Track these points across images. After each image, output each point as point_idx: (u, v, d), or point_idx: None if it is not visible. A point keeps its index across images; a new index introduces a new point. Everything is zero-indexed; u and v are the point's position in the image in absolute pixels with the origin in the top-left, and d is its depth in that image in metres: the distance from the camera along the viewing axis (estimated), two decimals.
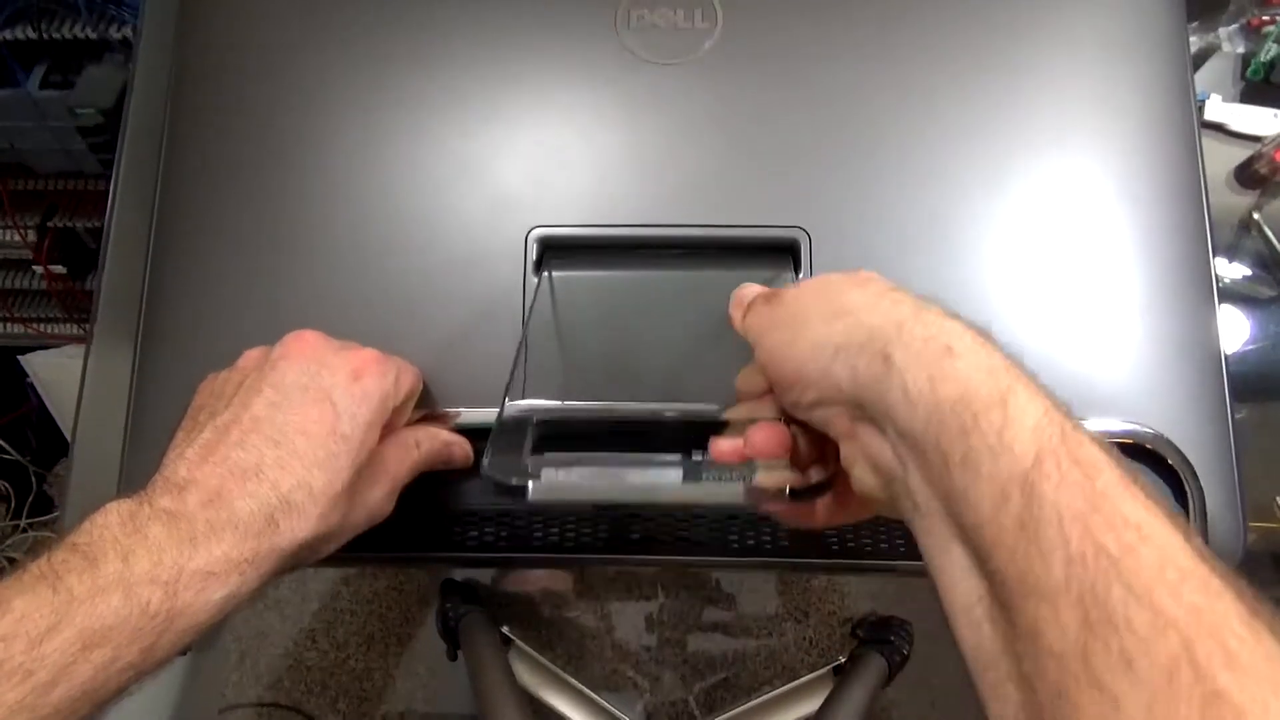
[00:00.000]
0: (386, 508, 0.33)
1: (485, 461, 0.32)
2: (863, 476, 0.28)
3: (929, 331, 0.25)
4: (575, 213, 0.40)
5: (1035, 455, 0.22)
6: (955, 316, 0.27)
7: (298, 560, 0.30)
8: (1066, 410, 0.23)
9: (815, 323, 0.28)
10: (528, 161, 0.41)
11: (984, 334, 0.26)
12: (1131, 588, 0.19)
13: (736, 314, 0.33)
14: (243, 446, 0.29)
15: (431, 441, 0.36)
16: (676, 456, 0.35)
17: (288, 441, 0.29)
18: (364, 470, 0.31)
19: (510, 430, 0.35)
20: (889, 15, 0.42)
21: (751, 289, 0.34)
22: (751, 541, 0.39)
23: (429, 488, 0.37)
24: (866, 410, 0.26)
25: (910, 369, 0.25)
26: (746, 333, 0.32)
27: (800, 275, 0.39)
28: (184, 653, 0.36)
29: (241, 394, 0.31)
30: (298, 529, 0.29)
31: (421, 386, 0.36)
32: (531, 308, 0.39)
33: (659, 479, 0.34)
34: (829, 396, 0.28)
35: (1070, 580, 0.20)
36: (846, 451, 0.28)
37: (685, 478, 0.35)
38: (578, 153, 0.41)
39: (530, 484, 0.32)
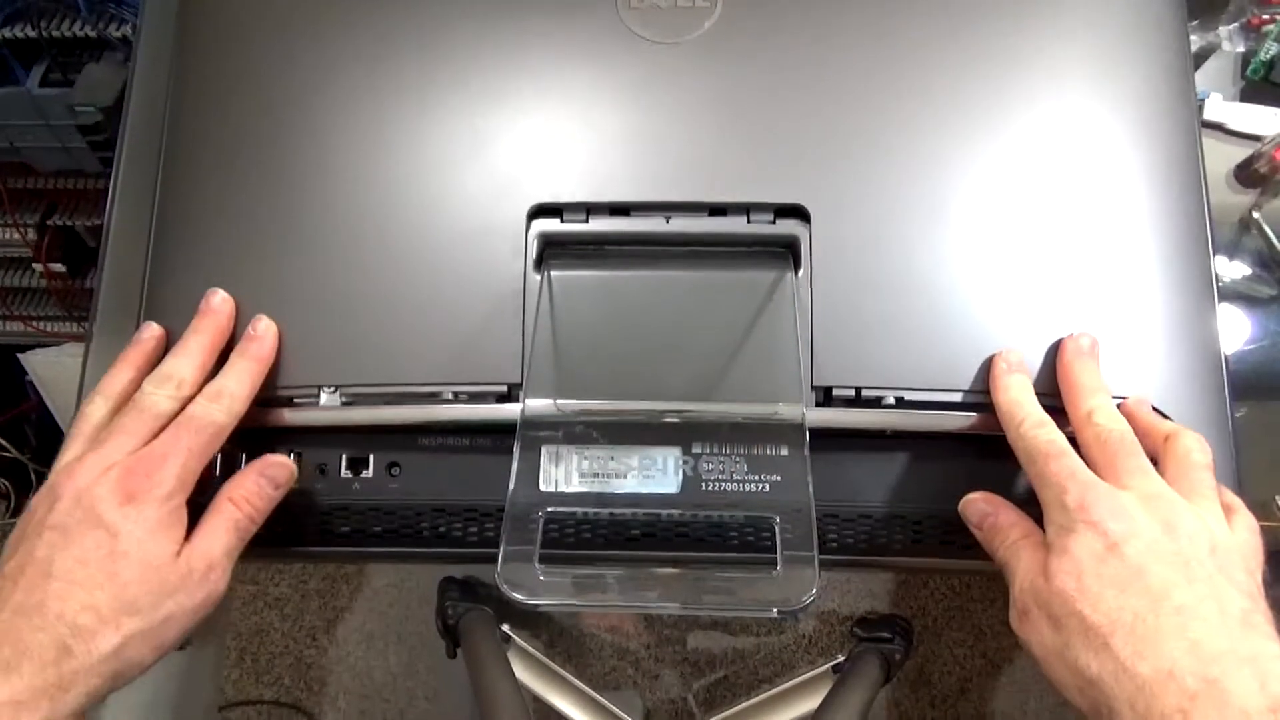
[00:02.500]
0: (219, 585, 0.35)
1: (497, 572, 0.34)
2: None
3: None
4: (576, 190, 0.40)
5: None
6: (1169, 675, 0.28)
7: (128, 665, 0.32)
8: None
9: (1067, 679, 0.30)
10: (529, 140, 0.41)
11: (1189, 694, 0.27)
12: None
13: (994, 540, 0.35)
14: (27, 590, 0.31)
15: (250, 502, 0.37)
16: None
17: (66, 574, 0.32)
18: (179, 564, 0.34)
19: (519, 526, 0.36)
20: (890, 1, 0.42)
21: (1002, 554, 0.35)
22: (752, 539, 0.39)
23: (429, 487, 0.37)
24: None
25: None
26: (1010, 574, 0.34)
27: (800, 272, 0.39)
28: (182, 647, 0.37)
29: (26, 542, 0.33)
30: (97, 647, 0.31)
31: (229, 420, 0.37)
32: (536, 292, 0.39)
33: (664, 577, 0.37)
34: (1076, 706, 0.30)
35: None
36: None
37: (684, 485, 0.36)
38: (578, 131, 0.41)
39: (541, 602, 0.35)
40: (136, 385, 0.37)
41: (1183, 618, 0.28)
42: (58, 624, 0.31)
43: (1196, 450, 0.34)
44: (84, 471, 0.34)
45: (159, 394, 0.36)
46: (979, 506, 0.36)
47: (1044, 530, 0.33)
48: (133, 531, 0.33)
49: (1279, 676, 0.27)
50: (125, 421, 0.35)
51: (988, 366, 0.38)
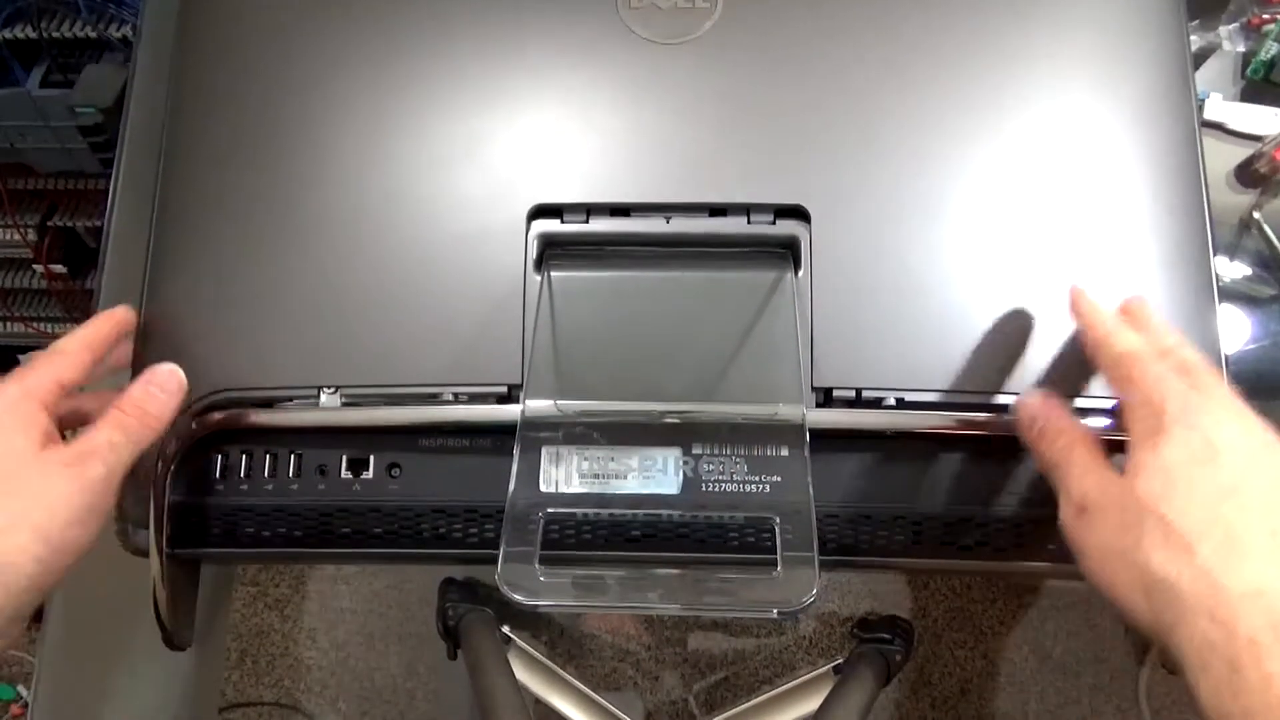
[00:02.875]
0: (96, 472, 0.34)
1: (497, 573, 0.34)
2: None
3: (1215, 635, 0.26)
4: (576, 190, 0.40)
5: None
6: (1260, 591, 0.27)
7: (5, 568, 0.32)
8: None
9: (1128, 581, 0.29)
10: (529, 141, 0.41)
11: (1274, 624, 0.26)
12: None
13: (1043, 442, 0.34)
14: None
15: (137, 406, 0.37)
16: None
17: None
18: (43, 454, 0.34)
19: (519, 527, 0.36)
20: (889, 1, 0.42)
21: (1055, 454, 0.34)
22: (752, 539, 0.39)
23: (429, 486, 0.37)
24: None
25: (1202, 677, 0.26)
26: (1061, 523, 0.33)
27: (800, 273, 0.39)
28: (182, 648, 0.36)
29: None
30: None
31: (72, 375, 0.37)
32: (537, 289, 0.39)
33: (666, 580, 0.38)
34: (1127, 609, 0.29)
35: None
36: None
37: (684, 486, 0.36)
38: (579, 132, 0.41)
39: (540, 604, 0.35)
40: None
41: (1277, 542, 0.27)
42: None
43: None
44: None
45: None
46: (1030, 409, 0.35)
47: (1129, 429, 0.32)
48: None
49: None
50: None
51: (988, 365, 0.38)
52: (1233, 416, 0.30)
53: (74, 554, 0.34)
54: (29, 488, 0.33)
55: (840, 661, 0.71)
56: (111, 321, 0.39)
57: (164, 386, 0.38)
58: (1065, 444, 0.33)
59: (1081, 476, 0.32)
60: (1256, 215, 0.58)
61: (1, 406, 0.34)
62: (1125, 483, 0.30)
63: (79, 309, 0.81)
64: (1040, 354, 0.38)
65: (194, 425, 0.38)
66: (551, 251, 0.40)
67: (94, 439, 0.35)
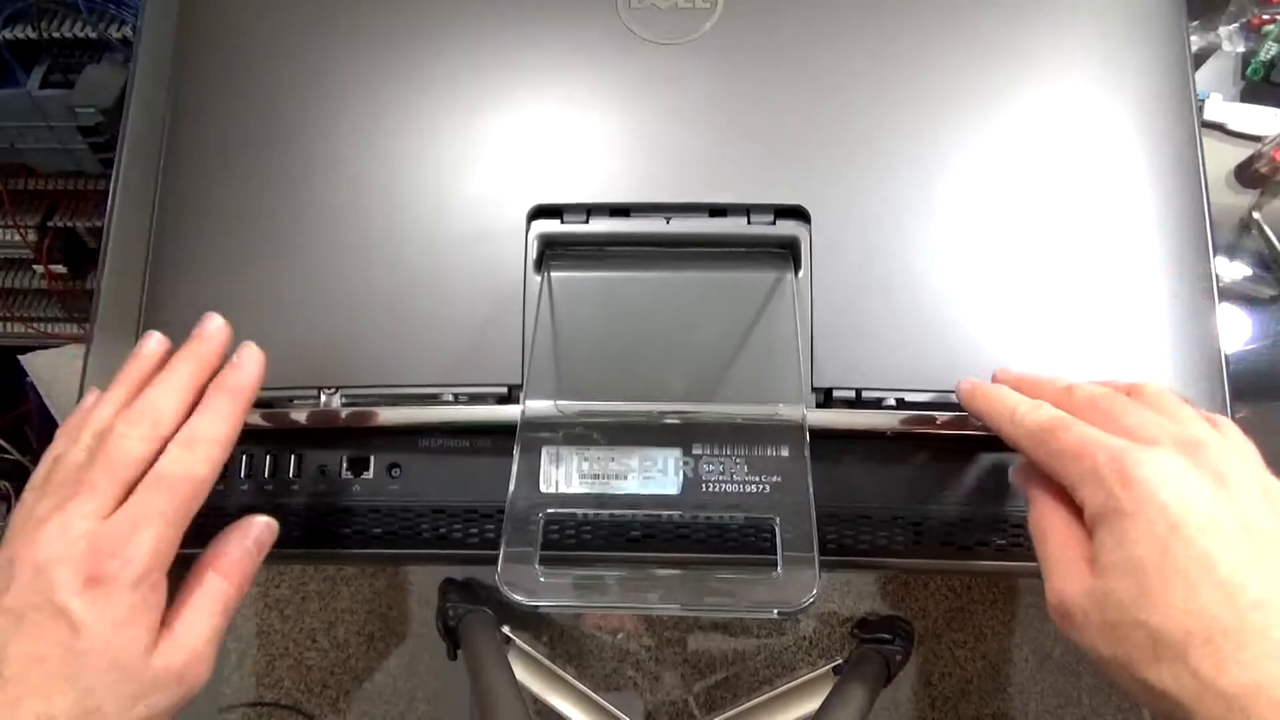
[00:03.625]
0: (201, 677, 0.31)
1: (497, 574, 0.34)
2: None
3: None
4: (576, 191, 0.40)
5: None
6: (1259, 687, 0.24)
7: None
8: None
9: (1134, 689, 0.26)
10: (529, 141, 0.41)
11: None
12: None
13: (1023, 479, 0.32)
14: None
15: (238, 571, 0.32)
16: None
17: (20, 675, 0.27)
18: (153, 660, 0.29)
19: (519, 527, 0.36)
20: (889, 1, 0.42)
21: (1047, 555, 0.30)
22: (752, 540, 0.39)
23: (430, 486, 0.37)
24: None
25: None
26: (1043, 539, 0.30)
27: (800, 273, 0.39)
28: None
29: None
30: None
31: (210, 471, 0.31)
32: (537, 290, 0.39)
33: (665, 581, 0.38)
34: (1117, 680, 0.27)
35: None
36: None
37: (684, 486, 0.36)
38: (579, 132, 0.41)
39: (540, 604, 0.34)
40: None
41: (1263, 614, 0.25)
42: None
43: (1164, 389, 0.31)
44: (45, 541, 0.29)
45: (132, 435, 0.31)
46: (1025, 490, 0.32)
47: (1085, 511, 0.28)
48: (97, 625, 0.28)
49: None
50: (94, 475, 0.30)
51: (987, 366, 0.38)
52: (1174, 456, 0.27)
53: None
54: (144, 695, 0.29)
55: (840, 661, 0.72)
56: (242, 409, 0.33)
57: (261, 543, 0.34)
58: (1041, 517, 0.30)
59: (1059, 578, 0.29)
60: (1256, 215, 0.58)
61: (128, 579, 0.29)
62: (1100, 585, 0.27)
63: (79, 310, 0.81)
64: (1039, 353, 0.38)
65: None
66: (552, 252, 0.40)
67: (199, 633, 0.31)
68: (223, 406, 0.32)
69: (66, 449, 0.31)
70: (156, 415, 0.31)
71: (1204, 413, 0.30)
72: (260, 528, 0.34)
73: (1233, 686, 0.24)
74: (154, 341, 0.34)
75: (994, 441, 0.37)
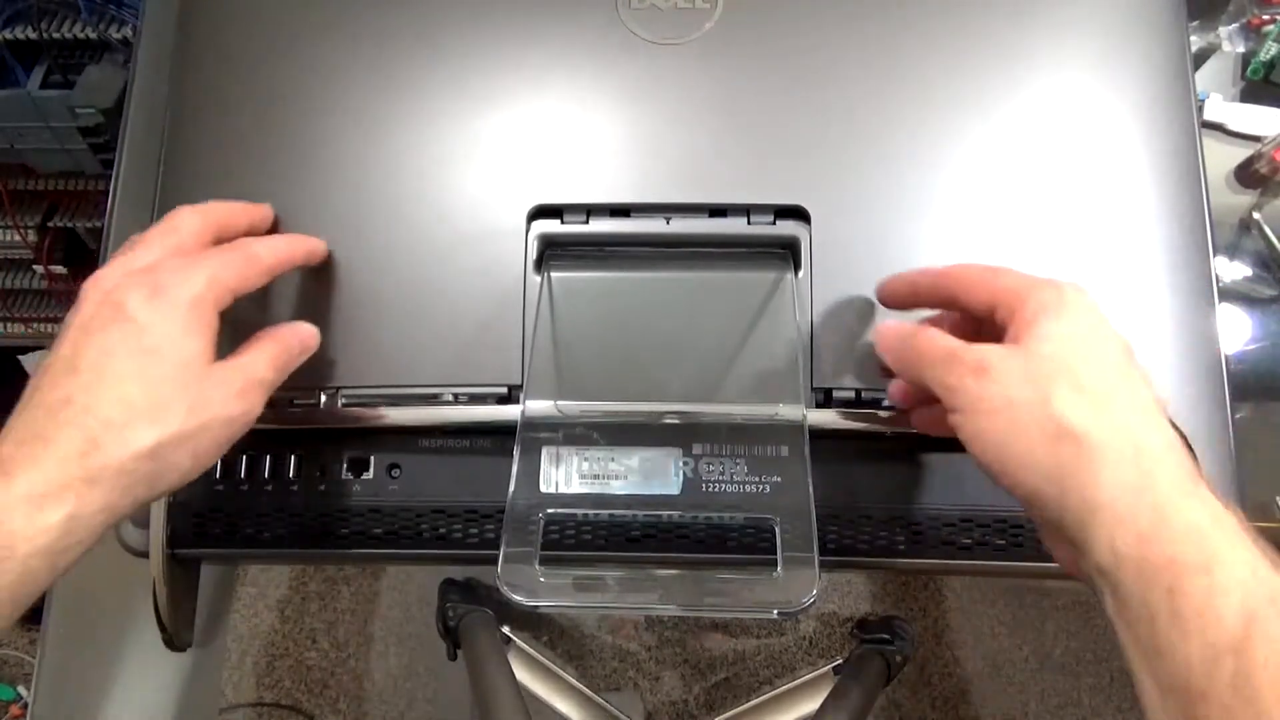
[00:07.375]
0: (256, 406, 0.33)
1: (497, 574, 0.34)
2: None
3: (1141, 482, 0.26)
4: (576, 191, 0.40)
5: (1245, 623, 0.23)
6: (1172, 446, 0.27)
7: (166, 468, 0.31)
8: (1273, 563, 0.24)
9: (1033, 432, 0.28)
10: (529, 141, 0.41)
11: (1192, 477, 0.27)
12: None
13: (922, 365, 0.32)
14: (52, 388, 0.30)
15: (297, 337, 0.36)
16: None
17: (93, 368, 0.30)
18: (216, 369, 0.32)
19: (519, 527, 0.36)
20: (890, 1, 0.42)
21: (942, 343, 0.31)
22: (752, 540, 0.39)
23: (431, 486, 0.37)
24: (1065, 533, 0.27)
25: (1120, 526, 0.26)
26: (947, 396, 0.30)
27: (800, 273, 0.39)
28: (183, 649, 0.35)
29: (55, 349, 0.31)
30: (129, 440, 0.29)
31: (272, 261, 0.36)
32: (537, 291, 0.39)
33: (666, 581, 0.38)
34: (1027, 499, 0.29)
35: None
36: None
37: (684, 486, 0.36)
38: (579, 132, 0.41)
39: (540, 604, 0.35)
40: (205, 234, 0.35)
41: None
42: (85, 417, 0.29)
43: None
44: (109, 274, 0.32)
45: (193, 215, 0.35)
46: (894, 328, 0.34)
47: (1008, 317, 0.31)
48: (161, 326, 0.31)
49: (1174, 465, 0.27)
50: (153, 233, 0.34)
51: None
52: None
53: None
54: (206, 402, 0.31)
55: (840, 662, 0.71)
56: (305, 250, 0.38)
57: (305, 342, 0.37)
58: (947, 343, 0.32)
59: (978, 348, 0.30)
60: (1256, 215, 0.58)
61: (186, 297, 0.31)
62: (1029, 347, 0.29)
63: None
64: None
65: None
66: (552, 252, 0.40)
67: (257, 369, 0.34)
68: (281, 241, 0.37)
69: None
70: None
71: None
72: (304, 328, 0.37)
73: (1154, 441, 0.27)
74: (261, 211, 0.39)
75: None
